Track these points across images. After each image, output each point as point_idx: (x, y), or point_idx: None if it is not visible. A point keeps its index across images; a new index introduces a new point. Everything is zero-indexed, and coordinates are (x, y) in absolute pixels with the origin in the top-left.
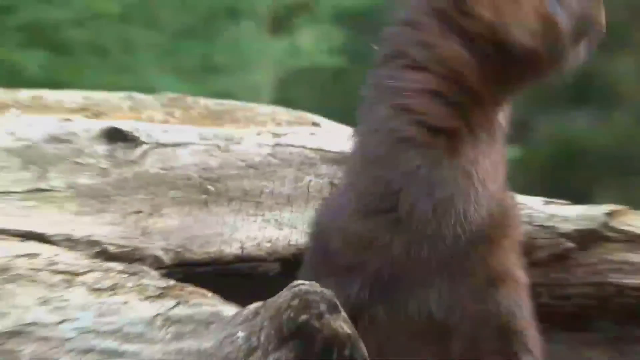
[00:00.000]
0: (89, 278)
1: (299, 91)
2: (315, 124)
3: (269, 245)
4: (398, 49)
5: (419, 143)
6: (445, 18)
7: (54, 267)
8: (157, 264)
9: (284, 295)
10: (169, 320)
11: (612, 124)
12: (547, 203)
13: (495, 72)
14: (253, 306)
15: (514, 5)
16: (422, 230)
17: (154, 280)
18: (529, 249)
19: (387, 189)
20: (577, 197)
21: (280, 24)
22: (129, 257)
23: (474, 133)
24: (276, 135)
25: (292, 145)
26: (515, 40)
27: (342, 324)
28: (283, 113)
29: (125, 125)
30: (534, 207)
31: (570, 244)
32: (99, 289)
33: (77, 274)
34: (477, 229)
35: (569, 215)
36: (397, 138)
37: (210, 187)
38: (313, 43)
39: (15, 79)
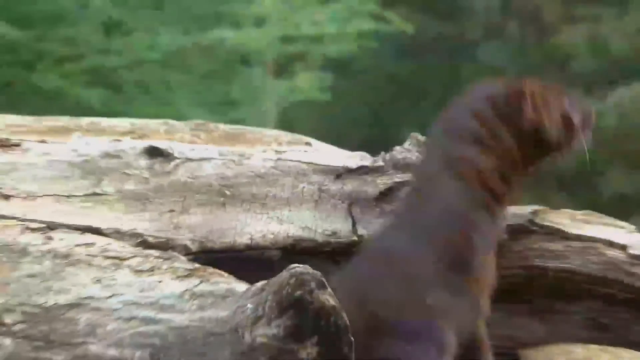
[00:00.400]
0: (132, 262)
1: (296, 119)
2: (308, 144)
3: (272, 237)
4: (473, 134)
5: (486, 207)
6: (504, 115)
7: (106, 254)
8: (185, 251)
9: (283, 276)
10: (194, 295)
11: None
12: None
13: (530, 154)
14: (259, 284)
15: (547, 108)
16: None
17: (183, 263)
18: None
19: (460, 232)
20: None
21: (282, 69)
22: (164, 245)
23: (509, 200)
24: (278, 152)
25: (290, 160)
26: (547, 133)
27: (328, 298)
28: (283, 135)
29: (162, 144)
30: None
31: (503, 236)
32: (140, 271)
33: (124, 259)
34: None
35: None
36: (474, 201)
37: (227, 192)
38: (307, 83)
39: (80, 110)
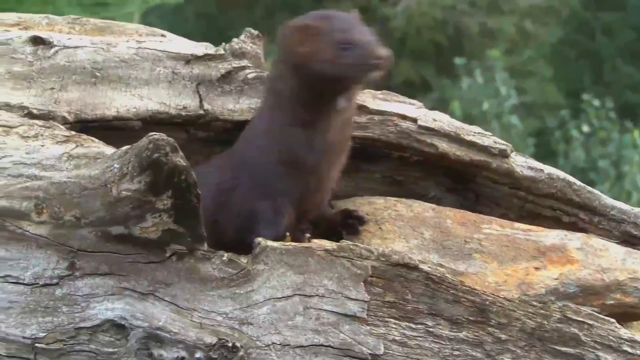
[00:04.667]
0: (20, 130)
1: (155, 18)
2: (163, 35)
3: (134, 110)
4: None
5: (299, 134)
6: (286, 52)
7: None
8: (64, 121)
9: (144, 141)
10: (71, 157)
11: None
12: None
13: (310, 84)
14: (124, 148)
15: (316, 48)
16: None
17: (62, 131)
18: None
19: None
20: None
21: None
22: (46, 116)
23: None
24: (139, 42)
25: (149, 48)
26: (314, 67)
27: (180, 160)
28: (143, 28)
29: (44, 34)
30: None
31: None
32: (26, 137)
33: (13, 127)
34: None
35: None
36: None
37: (98, 74)
38: None
39: None
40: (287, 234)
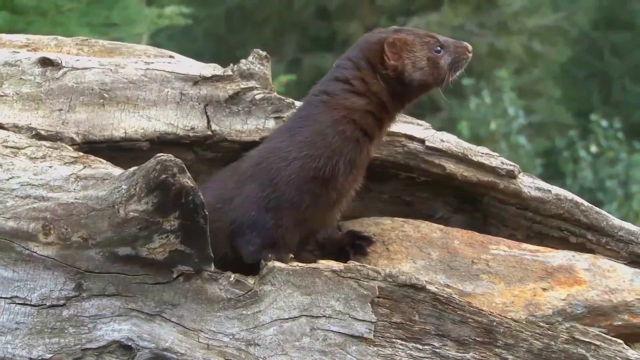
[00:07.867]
0: (28, 151)
1: (163, 38)
2: (171, 57)
3: (142, 131)
4: (346, 78)
5: (357, 141)
6: (374, 65)
7: (6, 144)
8: (71, 142)
9: (151, 162)
10: (79, 178)
11: None
12: None
13: (400, 96)
14: (132, 169)
15: (411, 53)
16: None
17: (70, 152)
18: None
19: (327, 162)
20: None
21: None
22: (54, 137)
23: (381, 134)
24: (147, 63)
25: (157, 69)
26: (411, 76)
27: (188, 180)
28: (151, 49)
29: (52, 55)
30: None
31: None
32: (34, 158)
33: (21, 148)
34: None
35: None
36: (346, 136)
37: (106, 95)
38: (172, 10)
39: None
40: (292, 255)
